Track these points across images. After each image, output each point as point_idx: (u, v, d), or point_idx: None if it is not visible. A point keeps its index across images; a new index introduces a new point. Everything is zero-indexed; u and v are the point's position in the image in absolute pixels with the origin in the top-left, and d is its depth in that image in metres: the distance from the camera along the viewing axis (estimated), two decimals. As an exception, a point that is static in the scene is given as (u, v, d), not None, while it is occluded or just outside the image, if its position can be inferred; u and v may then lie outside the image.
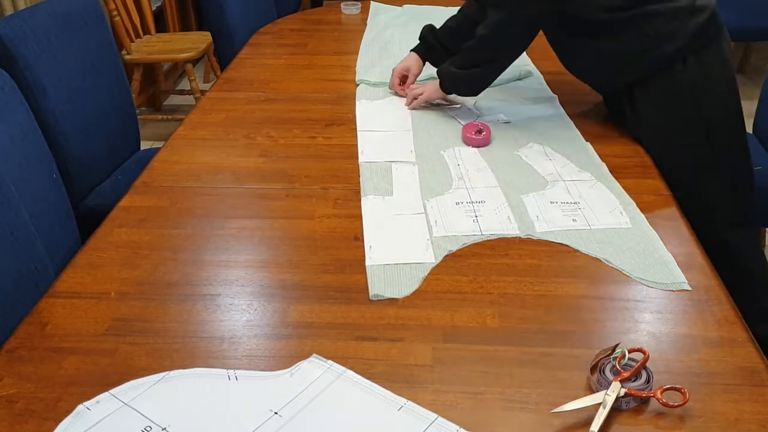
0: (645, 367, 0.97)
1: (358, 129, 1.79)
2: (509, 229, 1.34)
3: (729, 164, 1.57)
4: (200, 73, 4.34)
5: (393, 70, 1.98)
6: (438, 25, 1.96)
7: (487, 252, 1.28)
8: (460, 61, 1.71)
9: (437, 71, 1.79)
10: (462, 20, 1.91)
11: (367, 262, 1.25)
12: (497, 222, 1.37)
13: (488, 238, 1.31)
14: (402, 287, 1.18)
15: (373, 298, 1.16)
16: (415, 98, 1.86)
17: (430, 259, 1.26)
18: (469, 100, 1.90)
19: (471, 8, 1.89)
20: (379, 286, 1.18)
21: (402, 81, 1.97)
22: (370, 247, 1.29)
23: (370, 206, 1.43)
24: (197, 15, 4.57)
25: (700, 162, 1.56)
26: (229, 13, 2.75)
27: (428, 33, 1.95)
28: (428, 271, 1.22)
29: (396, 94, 1.98)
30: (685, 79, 1.52)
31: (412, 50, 1.98)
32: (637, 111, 1.61)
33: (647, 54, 1.53)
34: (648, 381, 0.95)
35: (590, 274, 1.21)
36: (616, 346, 1.01)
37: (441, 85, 1.78)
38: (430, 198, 1.46)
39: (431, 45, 1.94)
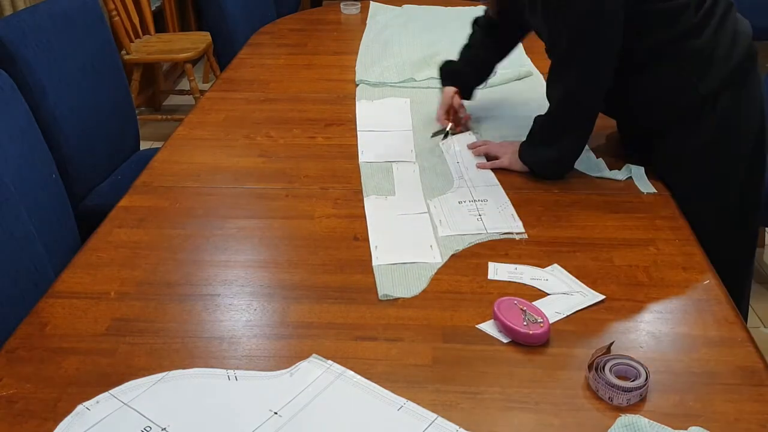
0: (643, 366, 0.97)
1: (358, 129, 1.79)
2: (514, 227, 1.34)
3: (747, 187, 1.46)
4: (200, 73, 4.34)
5: (438, 112, 1.78)
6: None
7: (487, 252, 1.28)
8: (539, 137, 1.51)
9: (521, 156, 1.54)
10: (479, 49, 1.78)
11: (374, 262, 1.25)
12: (502, 220, 1.36)
13: (494, 237, 1.31)
14: (410, 287, 1.18)
15: (383, 298, 1.16)
16: (485, 154, 1.61)
17: (437, 258, 1.25)
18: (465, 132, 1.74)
19: (482, 36, 1.78)
20: (387, 286, 1.18)
21: (448, 116, 1.76)
22: (376, 247, 1.29)
23: (372, 206, 1.43)
24: (196, 15, 4.57)
25: (721, 200, 1.46)
26: (228, 13, 2.75)
27: (451, 64, 1.82)
28: (435, 271, 1.22)
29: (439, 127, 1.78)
30: (714, 123, 1.40)
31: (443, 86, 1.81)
32: (661, 152, 1.50)
33: (680, 95, 1.42)
34: (647, 379, 0.95)
35: (590, 274, 1.21)
36: (611, 344, 1.01)
37: (527, 164, 1.53)
38: (432, 197, 1.46)
39: (458, 72, 1.80)
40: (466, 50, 1.81)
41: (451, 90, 1.77)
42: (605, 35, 1.36)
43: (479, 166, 1.56)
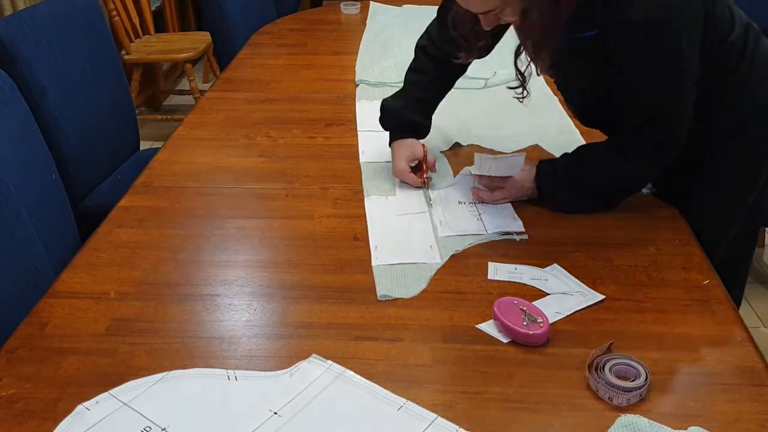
0: (643, 366, 0.97)
1: (358, 129, 1.79)
2: (515, 226, 1.34)
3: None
4: (199, 73, 4.34)
5: (397, 169, 1.51)
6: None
7: (487, 252, 1.28)
8: (570, 183, 1.37)
9: (539, 183, 1.39)
10: (433, 76, 1.55)
11: (373, 262, 1.25)
12: (502, 220, 1.36)
13: (494, 238, 1.31)
14: (409, 287, 1.18)
15: (381, 299, 1.16)
16: (489, 186, 1.43)
17: (437, 259, 1.25)
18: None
19: (437, 73, 1.55)
20: (386, 287, 1.18)
21: (422, 173, 1.50)
22: (376, 247, 1.29)
23: (373, 206, 1.43)
24: (196, 15, 4.57)
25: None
26: (228, 13, 2.75)
27: (405, 114, 1.55)
28: (434, 271, 1.22)
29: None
30: (741, 149, 1.36)
31: (394, 139, 1.55)
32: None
33: (714, 125, 1.35)
34: (647, 379, 0.95)
35: (590, 274, 1.20)
36: (611, 344, 1.01)
37: (543, 199, 1.40)
38: (432, 197, 1.45)
39: (420, 124, 1.56)
40: (417, 90, 1.56)
41: (418, 145, 1.51)
42: (685, 122, 1.27)
43: (487, 200, 1.42)
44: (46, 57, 1.84)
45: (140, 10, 3.66)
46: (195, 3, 4.49)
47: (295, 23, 2.83)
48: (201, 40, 3.68)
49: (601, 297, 1.14)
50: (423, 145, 1.52)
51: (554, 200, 1.40)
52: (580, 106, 1.47)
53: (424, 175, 1.49)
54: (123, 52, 3.40)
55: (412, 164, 1.51)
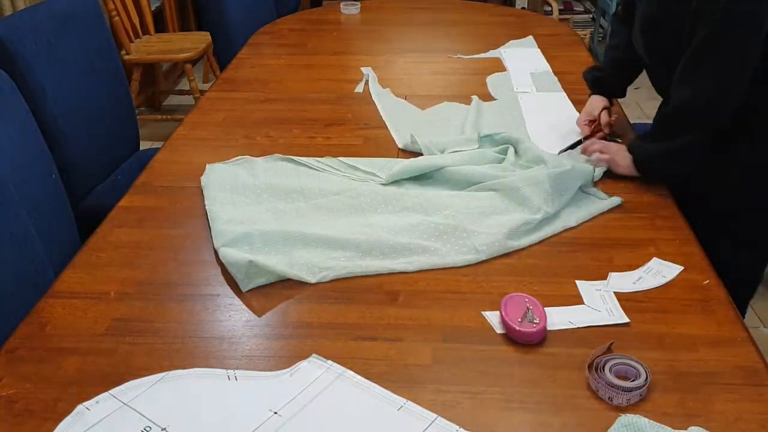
0: (643, 366, 0.97)
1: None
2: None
3: None
4: (199, 73, 4.34)
5: (580, 118, 1.72)
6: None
7: (486, 252, 1.28)
8: (654, 134, 1.46)
9: (629, 148, 1.49)
10: (622, 50, 1.69)
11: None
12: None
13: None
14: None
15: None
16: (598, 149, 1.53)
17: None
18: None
19: (625, 33, 1.66)
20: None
21: (589, 124, 1.69)
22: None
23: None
24: (196, 15, 4.57)
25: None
26: (228, 13, 2.75)
27: (596, 71, 1.77)
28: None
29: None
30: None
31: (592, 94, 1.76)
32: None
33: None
34: (647, 379, 0.95)
35: (590, 274, 1.21)
36: (611, 344, 1.01)
37: (636, 163, 1.48)
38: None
39: (605, 79, 1.75)
40: (610, 51, 1.76)
41: (599, 100, 1.70)
42: (754, 36, 1.31)
43: (589, 152, 1.53)
44: (46, 57, 1.84)
45: (140, 10, 3.66)
46: (195, 3, 4.48)
47: (295, 23, 2.83)
48: (201, 40, 3.67)
49: (627, 320, 1.10)
50: (607, 104, 1.70)
51: (643, 155, 1.46)
52: (648, 34, 1.51)
53: (592, 126, 1.66)
54: (123, 52, 3.40)
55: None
